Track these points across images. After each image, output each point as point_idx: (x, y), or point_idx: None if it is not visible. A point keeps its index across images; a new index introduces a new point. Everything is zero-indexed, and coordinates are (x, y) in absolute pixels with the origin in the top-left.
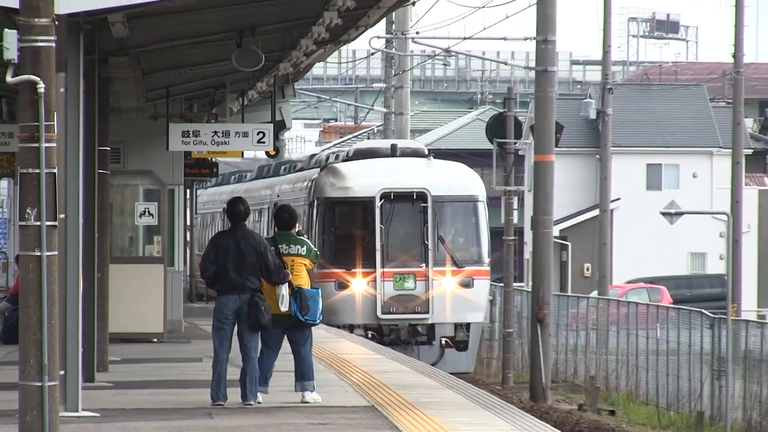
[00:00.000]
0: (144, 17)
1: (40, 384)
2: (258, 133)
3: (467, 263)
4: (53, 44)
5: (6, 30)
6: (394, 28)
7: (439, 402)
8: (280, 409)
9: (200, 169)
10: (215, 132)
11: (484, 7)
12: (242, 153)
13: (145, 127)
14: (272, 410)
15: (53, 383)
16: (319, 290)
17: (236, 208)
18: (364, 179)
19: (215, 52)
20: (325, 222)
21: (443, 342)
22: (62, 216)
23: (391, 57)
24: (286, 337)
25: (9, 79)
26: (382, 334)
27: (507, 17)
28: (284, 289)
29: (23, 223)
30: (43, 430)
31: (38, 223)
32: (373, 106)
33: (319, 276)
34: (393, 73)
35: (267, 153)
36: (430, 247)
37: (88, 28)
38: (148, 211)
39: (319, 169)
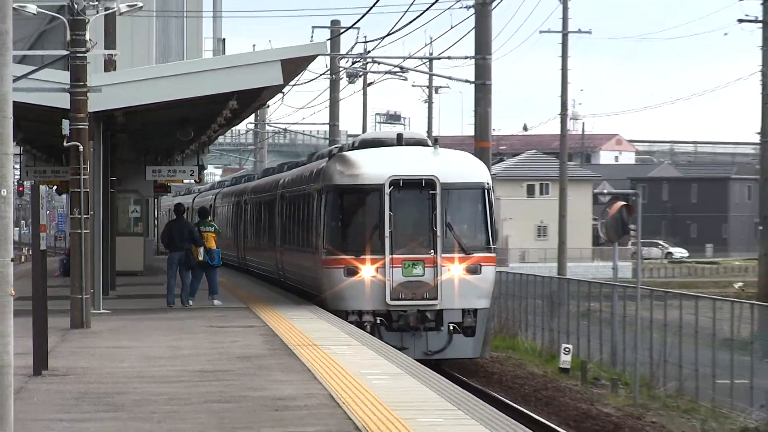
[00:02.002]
0: (134, 113)
1: (81, 296)
2: (191, 171)
3: (475, 250)
4: (87, 126)
5: (63, 119)
6: (259, 117)
7: (283, 303)
8: (200, 309)
9: (161, 189)
10: (169, 170)
11: (304, 107)
12: (183, 181)
13: (134, 168)
14: (197, 309)
15: (87, 296)
16: (219, 249)
17: (179, 209)
18: (372, 167)
19: (169, 131)
20: (333, 209)
21: (451, 328)
22: (92, 212)
23: (257, 132)
24: (204, 273)
25: (65, 144)
26: (390, 320)
27: (315, 113)
28: (202, 249)
29: (72, 216)
30: (82, 319)
31: (79, 216)
32: (248, 158)
33: (327, 262)
34: (259, 140)
35: (195, 181)
36: (438, 233)
37: (104, 118)
38: (136, 210)
39: (326, 159)
